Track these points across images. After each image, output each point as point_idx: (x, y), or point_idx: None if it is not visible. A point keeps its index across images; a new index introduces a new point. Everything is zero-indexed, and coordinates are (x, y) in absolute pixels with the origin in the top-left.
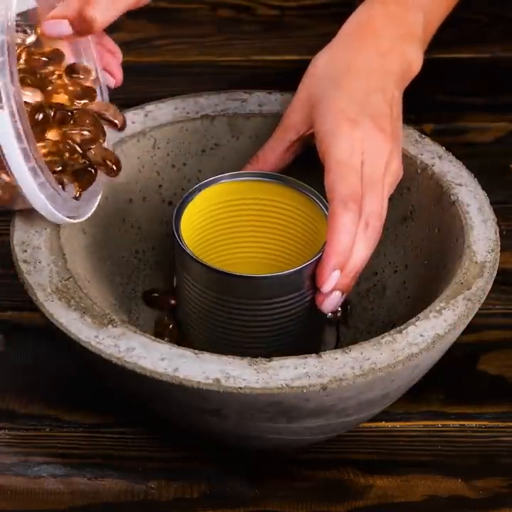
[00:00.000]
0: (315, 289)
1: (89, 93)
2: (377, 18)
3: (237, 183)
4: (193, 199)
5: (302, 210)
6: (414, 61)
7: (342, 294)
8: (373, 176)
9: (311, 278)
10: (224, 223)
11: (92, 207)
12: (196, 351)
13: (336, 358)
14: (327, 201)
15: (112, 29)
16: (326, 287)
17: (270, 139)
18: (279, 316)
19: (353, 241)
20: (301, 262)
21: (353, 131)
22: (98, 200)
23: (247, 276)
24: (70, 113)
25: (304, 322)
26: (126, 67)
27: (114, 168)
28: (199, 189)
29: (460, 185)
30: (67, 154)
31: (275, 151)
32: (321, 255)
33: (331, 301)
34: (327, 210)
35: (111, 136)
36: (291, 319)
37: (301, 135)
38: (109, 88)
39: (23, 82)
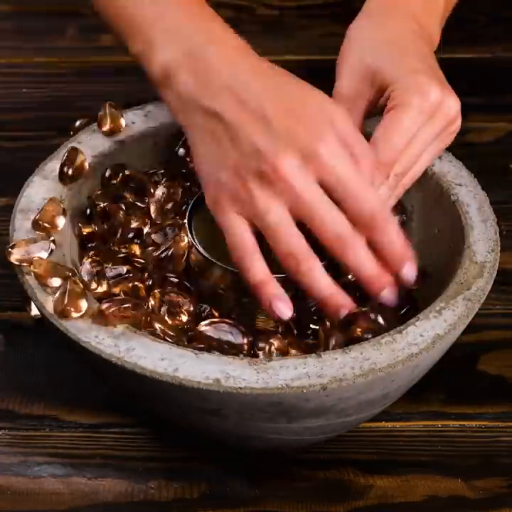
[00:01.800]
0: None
1: None
2: None
3: None
4: None
5: None
6: (436, 35)
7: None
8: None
9: None
10: None
11: None
12: (196, 351)
13: (336, 358)
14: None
15: None
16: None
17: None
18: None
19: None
20: None
21: (430, 81)
22: None
23: None
24: None
25: None
26: (126, 67)
27: None
28: None
29: (460, 185)
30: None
31: (357, 124)
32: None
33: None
34: None
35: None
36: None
37: (372, 103)
38: None
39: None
